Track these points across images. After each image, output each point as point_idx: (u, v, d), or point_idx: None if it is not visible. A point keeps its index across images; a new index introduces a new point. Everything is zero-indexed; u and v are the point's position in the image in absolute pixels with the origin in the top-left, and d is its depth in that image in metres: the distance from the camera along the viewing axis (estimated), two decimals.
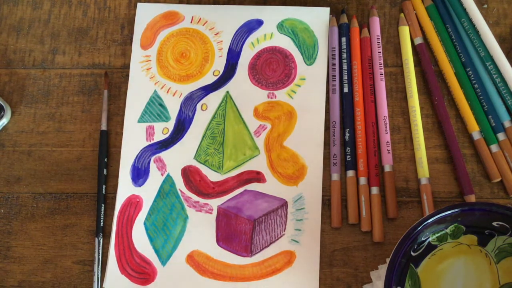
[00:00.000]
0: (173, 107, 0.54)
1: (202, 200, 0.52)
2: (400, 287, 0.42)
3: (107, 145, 0.53)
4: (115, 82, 0.55)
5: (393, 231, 0.50)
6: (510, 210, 0.41)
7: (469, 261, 0.44)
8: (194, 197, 0.52)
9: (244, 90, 0.54)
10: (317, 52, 0.55)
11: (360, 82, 0.53)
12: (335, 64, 0.54)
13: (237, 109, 0.54)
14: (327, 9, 0.56)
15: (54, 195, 0.53)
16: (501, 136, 0.51)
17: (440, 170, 0.51)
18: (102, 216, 0.51)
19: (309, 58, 0.55)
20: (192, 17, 0.56)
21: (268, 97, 0.54)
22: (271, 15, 0.56)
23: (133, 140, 0.53)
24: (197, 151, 0.53)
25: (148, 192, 0.52)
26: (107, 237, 0.51)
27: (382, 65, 0.54)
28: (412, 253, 0.43)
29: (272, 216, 0.50)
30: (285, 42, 0.55)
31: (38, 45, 0.57)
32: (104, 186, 0.52)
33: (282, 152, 0.52)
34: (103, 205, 0.51)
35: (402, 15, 0.55)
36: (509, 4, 0.55)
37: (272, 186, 0.51)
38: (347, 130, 0.52)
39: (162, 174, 0.52)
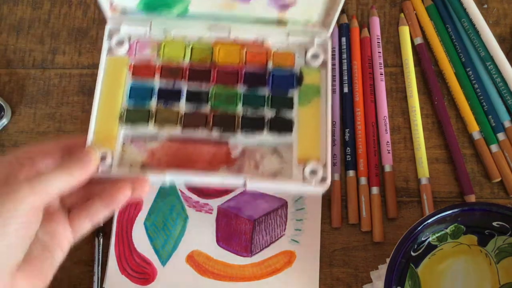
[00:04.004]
0: None
1: (202, 200, 0.51)
2: (400, 287, 0.42)
3: None
4: None
5: (393, 231, 0.50)
6: (510, 210, 0.41)
7: (469, 261, 0.44)
8: (194, 197, 0.52)
9: None
10: None
11: (360, 82, 0.53)
12: (335, 64, 0.54)
13: None
14: None
15: None
16: (501, 136, 0.51)
17: (440, 170, 0.51)
18: None
19: None
20: None
21: None
22: None
23: None
24: None
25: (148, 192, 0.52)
26: (107, 237, 0.51)
27: (382, 65, 0.54)
28: (412, 253, 0.43)
29: (272, 216, 0.50)
30: None
31: (38, 45, 0.57)
32: None
33: None
34: None
35: (402, 15, 0.55)
36: (509, 4, 0.55)
37: None
38: (347, 130, 0.52)
39: None
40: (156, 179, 0.41)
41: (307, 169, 0.42)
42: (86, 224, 0.39)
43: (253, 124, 0.44)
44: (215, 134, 0.44)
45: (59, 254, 0.38)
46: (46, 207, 0.37)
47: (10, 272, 0.35)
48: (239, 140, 0.44)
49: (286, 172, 0.43)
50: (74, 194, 0.40)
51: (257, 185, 0.42)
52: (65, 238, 0.39)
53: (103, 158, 0.42)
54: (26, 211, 0.34)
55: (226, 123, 0.44)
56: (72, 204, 0.40)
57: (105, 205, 0.39)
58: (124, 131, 0.44)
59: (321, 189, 0.42)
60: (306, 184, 0.42)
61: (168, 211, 0.51)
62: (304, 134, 0.44)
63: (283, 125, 0.44)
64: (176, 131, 0.44)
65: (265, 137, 0.44)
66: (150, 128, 0.44)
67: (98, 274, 0.50)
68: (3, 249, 0.34)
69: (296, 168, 0.42)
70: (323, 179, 0.42)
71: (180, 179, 0.42)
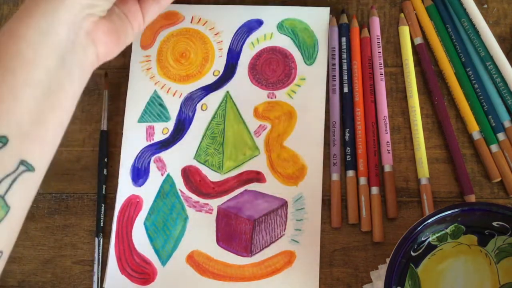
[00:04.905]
0: (173, 107, 0.54)
1: (202, 200, 0.52)
2: (400, 287, 0.42)
3: (107, 145, 0.53)
4: (115, 82, 0.55)
5: (393, 231, 0.50)
6: (510, 210, 0.41)
7: (469, 261, 0.44)
8: (194, 197, 0.52)
9: (244, 90, 0.54)
10: (317, 52, 0.55)
11: (360, 82, 0.53)
12: (335, 64, 0.54)
13: (237, 109, 0.54)
14: (327, 9, 0.56)
15: (54, 195, 0.53)
16: (501, 136, 0.51)
17: (440, 170, 0.51)
18: (102, 216, 0.51)
19: (309, 58, 0.55)
20: (192, 17, 0.56)
21: (268, 97, 0.54)
22: (271, 15, 0.56)
23: (133, 140, 0.53)
24: (197, 151, 0.53)
25: (148, 192, 0.52)
26: (107, 237, 0.51)
27: (382, 65, 0.54)
28: (412, 253, 0.43)
29: (272, 216, 0.50)
30: (285, 42, 0.55)
31: None
32: (104, 186, 0.52)
33: (282, 152, 0.52)
34: (103, 205, 0.51)
35: (402, 15, 0.55)
36: (509, 4, 0.55)
37: (272, 186, 0.51)
38: (347, 130, 0.52)
39: (162, 174, 0.52)
40: None
41: None
42: (153, 8, 0.46)
43: None
44: None
45: (130, 32, 0.45)
46: None
47: (99, 14, 0.41)
48: None
49: None
50: None
51: None
52: (136, 20, 0.45)
53: None
54: None
55: None
56: None
57: None
58: None
59: None
60: None
61: (168, 211, 0.51)
62: None
63: None
64: None
65: None
66: None
67: (98, 274, 0.50)
68: None
69: None
70: None
71: None
